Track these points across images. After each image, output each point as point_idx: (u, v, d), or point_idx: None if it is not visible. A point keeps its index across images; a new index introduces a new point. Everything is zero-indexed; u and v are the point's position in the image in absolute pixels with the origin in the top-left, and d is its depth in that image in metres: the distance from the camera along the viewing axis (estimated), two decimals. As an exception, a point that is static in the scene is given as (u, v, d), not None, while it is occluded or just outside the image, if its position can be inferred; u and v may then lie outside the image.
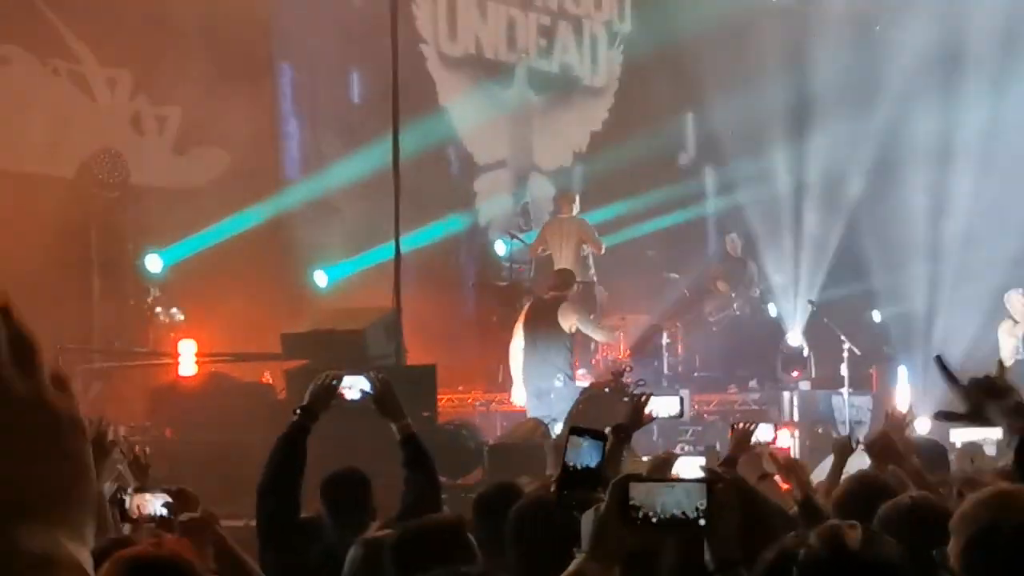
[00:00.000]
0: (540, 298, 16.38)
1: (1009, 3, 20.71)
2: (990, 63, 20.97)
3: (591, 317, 16.62)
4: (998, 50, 20.89)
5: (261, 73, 17.56)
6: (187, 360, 14.63)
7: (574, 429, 3.81)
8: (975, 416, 3.37)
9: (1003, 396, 3.31)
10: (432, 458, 6.30)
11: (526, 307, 16.37)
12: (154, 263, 16.05)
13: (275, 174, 17.75)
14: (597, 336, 16.83)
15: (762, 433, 8.13)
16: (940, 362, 3.46)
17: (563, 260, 17.72)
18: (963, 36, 21.15)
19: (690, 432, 17.20)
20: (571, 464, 3.52)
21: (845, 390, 17.26)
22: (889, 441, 6.84)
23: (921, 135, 21.35)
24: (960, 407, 3.41)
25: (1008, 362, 18.28)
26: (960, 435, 16.30)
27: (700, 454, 14.87)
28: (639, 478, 3.26)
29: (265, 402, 12.96)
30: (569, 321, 15.99)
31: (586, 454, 3.62)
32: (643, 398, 6.83)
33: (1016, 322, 18.19)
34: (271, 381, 14.27)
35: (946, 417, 3.45)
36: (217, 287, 15.43)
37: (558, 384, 15.37)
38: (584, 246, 17.80)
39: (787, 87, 21.59)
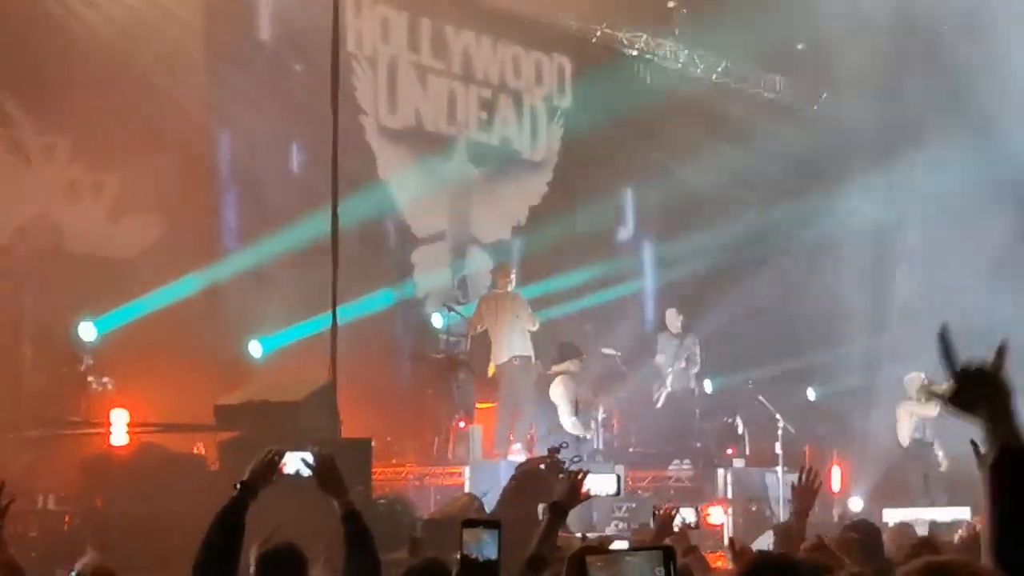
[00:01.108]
0: None
1: (949, 81, 20.92)
2: (929, 141, 21.19)
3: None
4: (937, 128, 21.11)
5: (199, 141, 17.49)
6: (119, 430, 14.43)
7: (467, 521, 3.75)
8: (961, 404, 3.21)
9: (995, 391, 3.18)
10: (372, 535, 6.23)
11: None
12: (87, 331, 15.87)
13: (212, 243, 17.64)
14: (565, 421, 17.08)
15: (687, 515, 8.12)
16: (943, 336, 3.24)
17: (499, 334, 17.71)
18: (902, 116, 21.37)
19: (624, 509, 17.17)
20: (472, 555, 3.46)
21: (779, 468, 17.29)
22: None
23: (859, 213, 21.54)
24: (950, 390, 3.26)
25: (904, 443, 18.49)
26: (892, 515, 16.41)
27: (634, 531, 14.84)
28: (595, 550, 3.22)
29: (197, 473, 12.80)
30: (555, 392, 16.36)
31: (487, 545, 3.57)
32: (580, 475, 6.77)
33: (912, 404, 18.40)
34: (203, 452, 14.12)
35: (932, 394, 3.34)
36: (151, 356, 15.28)
37: None
38: (519, 319, 17.78)
39: (727, 163, 21.73)
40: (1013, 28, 20.08)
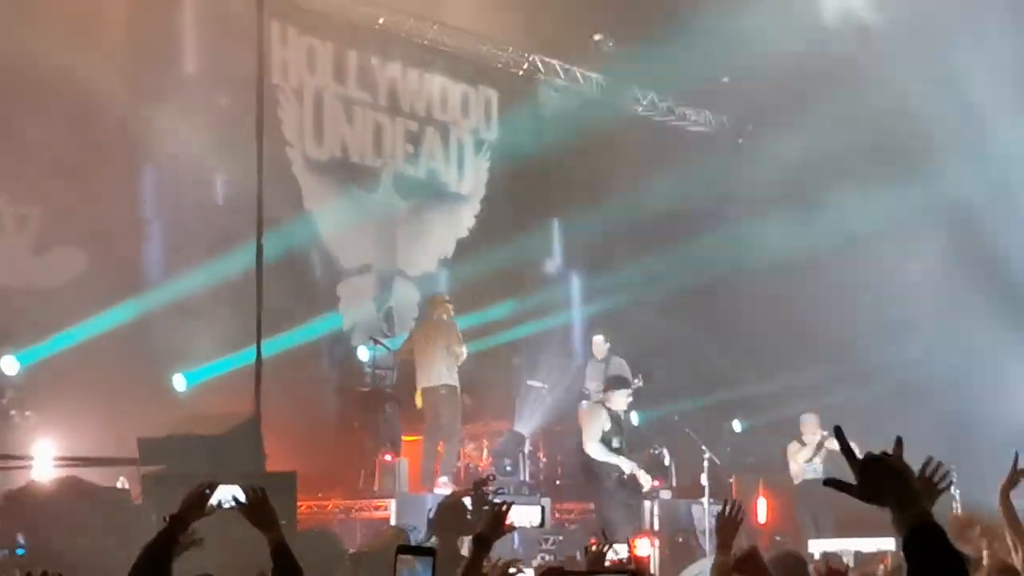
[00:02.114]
0: None
1: (873, 118, 21.11)
2: (852, 176, 21.35)
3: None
4: (861, 163, 21.28)
5: (124, 174, 17.39)
6: (42, 463, 14.29)
7: (401, 548, 3.74)
8: (866, 494, 3.33)
9: (898, 479, 3.29)
10: (301, 570, 6.19)
11: None
12: (10, 365, 15.70)
13: (136, 276, 17.50)
14: (589, 447, 16.77)
15: (619, 549, 8.10)
16: (839, 433, 3.46)
17: (427, 362, 17.68)
18: (828, 149, 21.53)
19: (551, 541, 17.16)
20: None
21: (705, 500, 17.32)
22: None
23: (782, 246, 21.65)
24: (854, 481, 3.39)
25: (796, 480, 18.59)
26: (819, 545, 16.49)
27: (561, 563, 14.82)
28: (563, 572, 3.23)
29: (121, 507, 12.68)
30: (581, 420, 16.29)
31: (420, 574, 3.55)
32: (504, 507, 6.74)
33: (803, 444, 18.50)
34: (127, 486, 13.99)
35: (836, 486, 3.41)
36: (74, 389, 15.15)
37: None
38: (450, 348, 17.74)
39: (654, 195, 21.79)
40: (932, 63, 20.29)
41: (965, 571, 3.16)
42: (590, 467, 16.75)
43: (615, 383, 17.37)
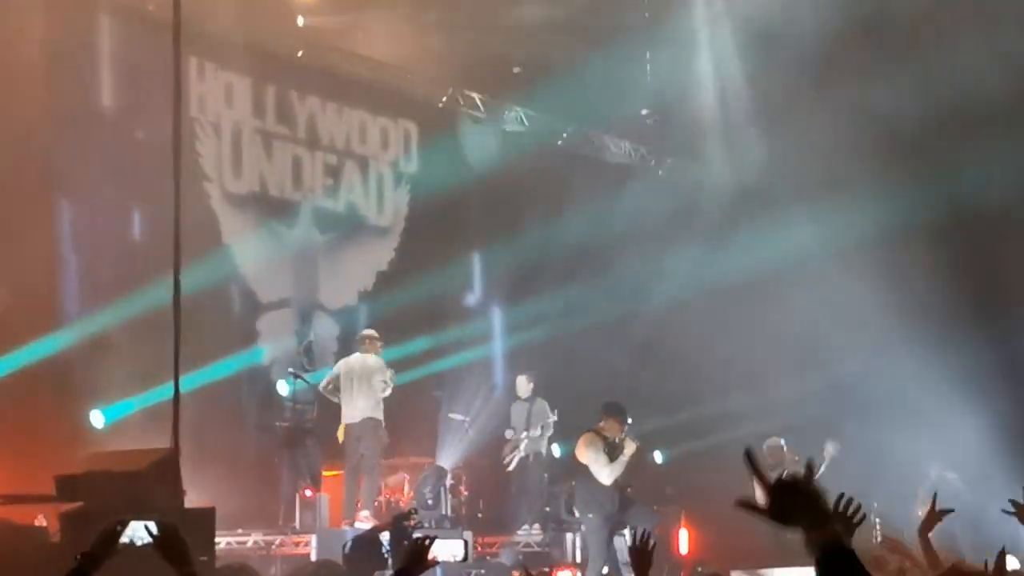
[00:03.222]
0: None
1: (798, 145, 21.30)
2: (771, 206, 21.51)
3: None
4: (786, 186, 21.45)
5: (40, 209, 17.23)
6: (-43, 502, 14.12)
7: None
8: (777, 515, 3.32)
9: (809, 501, 3.28)
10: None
11: None
12: (-75, 402, 15.54)
13: (52, 311, 17.33)
14: (601, 477, 16.41)
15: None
16: (748, 456, 3.44)
17: (351, 397, 17.63)
18: (749, 178, 21.70)
19: (473, 574, 17.11)
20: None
21: (627, 531, 17.32)
22: None
23: (708, 274, 21.78)
24: (763, 504, 3.38)
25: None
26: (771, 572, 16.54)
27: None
28: None
29: (39, 545, 12.53)
30: (580, 454, 16.13)
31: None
32: (426, 541, 6.71)
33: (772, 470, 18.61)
34: (45, 523, 13.83)
35: (746, 507, 3.41)
36: (-10, 427, 15.00)
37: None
38: (374, 383, 17.67)
39: (574, 227, 21.87)
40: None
41: None
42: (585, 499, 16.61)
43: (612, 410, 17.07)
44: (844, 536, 3.24)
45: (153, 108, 16.71)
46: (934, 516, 7.82)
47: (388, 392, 17.77)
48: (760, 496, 3.36)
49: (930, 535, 7.77)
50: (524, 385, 20.32)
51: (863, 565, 3.18)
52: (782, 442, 19.12)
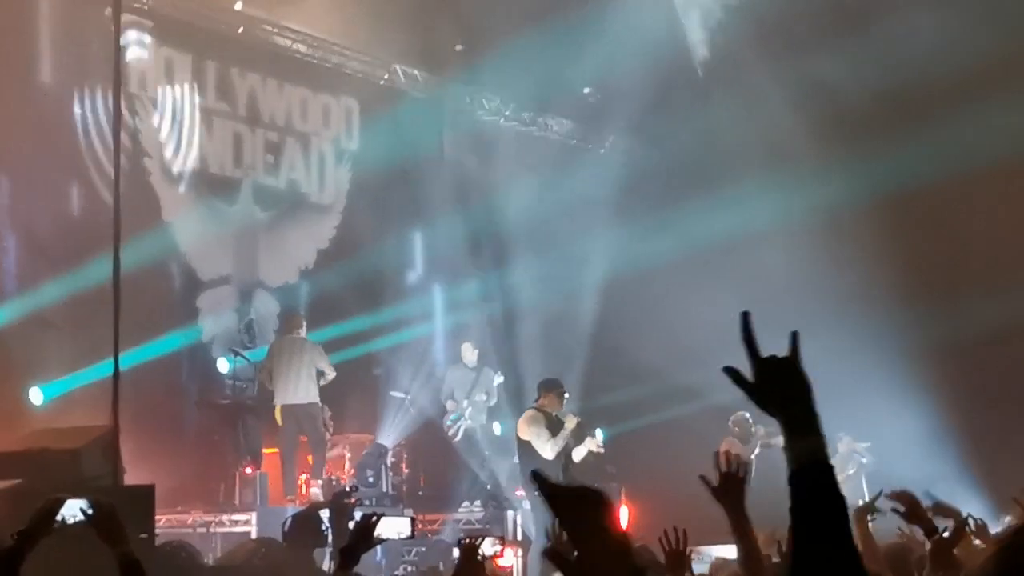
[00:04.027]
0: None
1: (731, 127, 21.36)
2: (712, 187, 21.58)
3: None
4: (719, 174, 21.52)
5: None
6: None
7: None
8: (761, 395, 3.08)
9: (799, 392, 3.06)
10: (151, 585, 6.12)
11: None
12: None
13: (-10, 288, 17.23)
14: (544, 452, 16.29)
15: (487, 547, 8.10)
16: (745, 320, 3.16)
17: (287, 378, 17.62)
18: (685, 160, 21.76)
19: (414, 552, 17.14)
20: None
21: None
22: None
23: (645, 256, 21.82)
24: (750, 377, 3.09)
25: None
26: (710, 550, 16.63)
27: (423, 573, 14.82)
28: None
29: (-26, 525, 12.46)
30: (522, 431, 16.09)
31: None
32: (373, 519, 6.71)
33: (736, 442, 18.71)
34: (-18, 502, 13.75)
35: (733, 377, 3.16)
36: (-74, 405, 14.88)
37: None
38: (311, 367, 17.70)
39: (516, 205, 21.88)
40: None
41: (847, 522, 2.97)
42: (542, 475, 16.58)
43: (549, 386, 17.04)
44: (825, 448, 3.03)
45: (92, 84, 16.63)
46: (871, 506, 7.90)
47: (331, 376, 17.83)
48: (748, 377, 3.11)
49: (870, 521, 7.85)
50: (470, 352, 20.36)
51: (838, 485, 3.00)
52: (748, 416, 19.18)
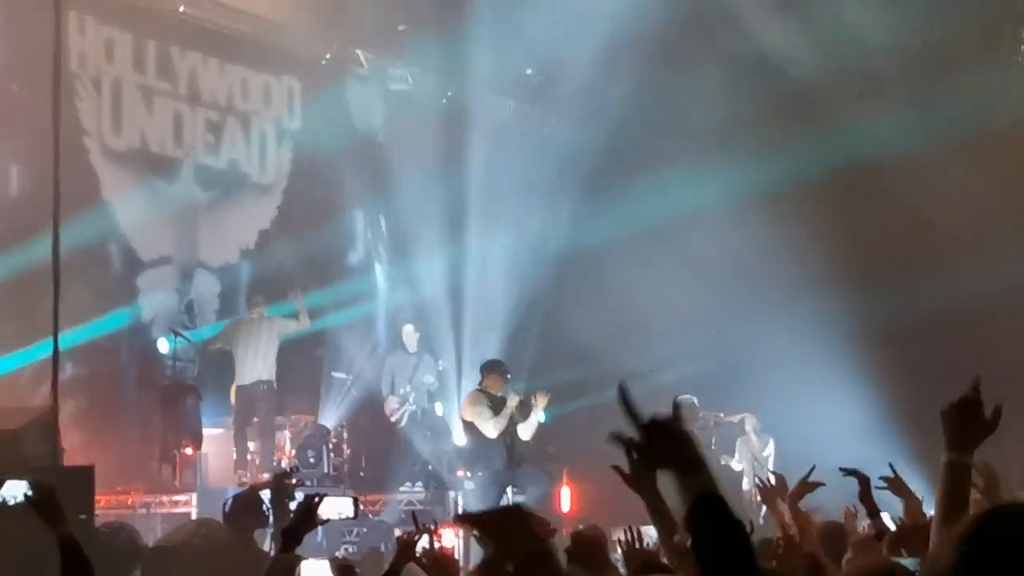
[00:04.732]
0: None
1: (674, 109, 21.40)
2: (654, 169, 21.62)
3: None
4: (662, 156, 21.55)
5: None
6: None
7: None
8: (649, 456, 3.28)
9: (681, 444, 3.23)
10: (91, 566, 6.10)
11: None
12: None
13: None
14: (487, 431, 16.37)
15: (424, 542, 8.09)
16: (622, 391, 3.32)
17: (245, 358, 17.75)
18: (630, 142, 21.80)
19: (355, 532, 17.14)
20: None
21: (510, 490, 17.41)
22: None
23: (586, 238, 21.87)
24: (640, 445, 3.32)
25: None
26: (650, 529, 16.67)
27: (364, 555, 14.81)
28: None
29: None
30: (466, 412, 16.08)
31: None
32: (315, 499, 6.72)
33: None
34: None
35: (618, 442, 3.35)
36: None
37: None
38: (273, 341, 17.95)
39: (457, 185, 21.87)
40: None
41: (749, 541, 3.15)
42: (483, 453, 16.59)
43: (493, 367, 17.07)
44: (715, 483, 3.20)
45: (31, 62, 16.48)
46: (805, 487, 7.97)
47: (308, 322, 17.90)
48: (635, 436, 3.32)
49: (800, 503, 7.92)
50: (411, 335, 20.36)
51: (733, 512, 3.14)
52: (695, 400, 19.27)
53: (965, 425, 3.95)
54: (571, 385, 21.50)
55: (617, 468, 5.38)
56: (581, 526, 18.18)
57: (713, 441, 19.09)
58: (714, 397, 19.90)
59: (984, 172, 21.75)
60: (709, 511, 3.14)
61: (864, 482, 7.80)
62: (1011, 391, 5.26)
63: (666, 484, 3.36)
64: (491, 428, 16.16)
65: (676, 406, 3.36)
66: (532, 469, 16.87)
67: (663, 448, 3.25)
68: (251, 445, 18.26)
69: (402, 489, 19.30)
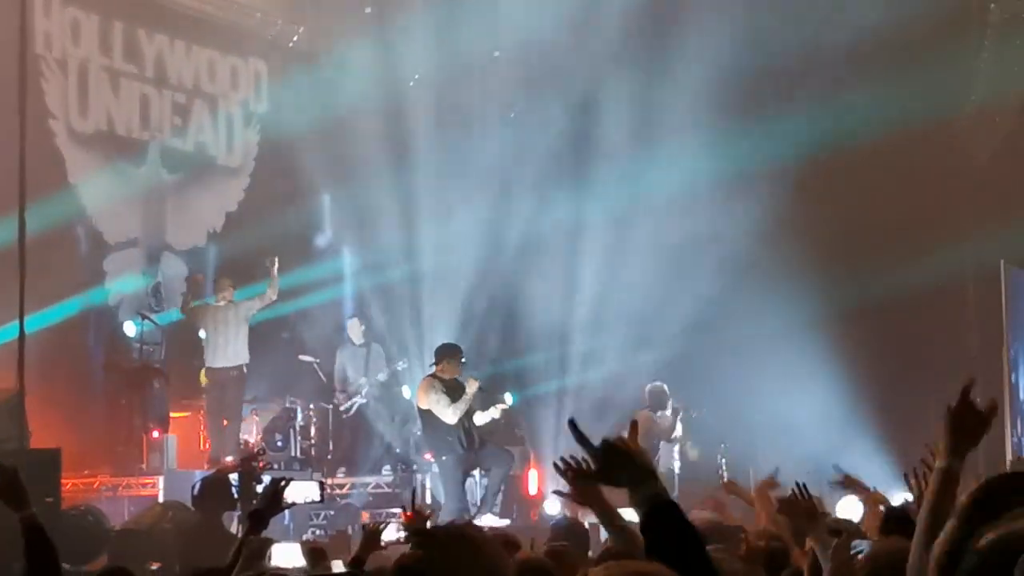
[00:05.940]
0: None
1: (638, 93, 21.42)
2: (619, 152, 21.64)
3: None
4: (627, 140, 21.56)
5: None
6: None
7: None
8: (607, 476, 3.52)
9: (632, 460, 3.46)
10: (55, 549, 6.09)
11: None
12: None
13: None
14: (446, 417, 16.27)
15: (390, 532, 8.12)
16: (572, 425, 3.57)
17: (217, 343, 17.77)
18: (595, 126, 21.81)
19: (322, 516, 17.16)
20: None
21: (477, 472, 17.44)
22: None
23: (552, 222, 21.88)
24: (597, 469, 3.54)
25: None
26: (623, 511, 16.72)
27: (331, 537, 14.83)
28: None
29: None
30: (421, 400, 16.08)
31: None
32: (282, 483, 6.72)
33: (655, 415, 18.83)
34: None
35: (581, 474, 3.64)
36: None
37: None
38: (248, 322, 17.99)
39: (426, 169, 21.85)
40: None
41: (702, 545, 3.38)
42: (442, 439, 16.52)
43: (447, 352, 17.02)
44: (666, 490, 3.44)
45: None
46: (773, 481, 8.03)
47: (274, 295, 18.26)
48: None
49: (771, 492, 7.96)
50: (357, 329, 20.35)
51: (685, 515, 3.37)
52: (664, 386, 19.29)
53: (965, 430, 3.99)
54: (537, 368, 21.55)
55: (559, 492, 5.54)
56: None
57: (680, 429, 19.07)
58: (680, 382, 19.89)
59: (952, 155, 21.86)
60: (662, 516, 3.37)
61: (852, 484, 7.89)
62: (977, 372, 5.30)
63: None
64: (450, 414, 16.16)
65: (633, 423, 3.70)
66: (494, 448, 16.88)
67: (615, 465, 3.48)
68: (220, 428, 18.21)
69: (369, 472, 19.31)
